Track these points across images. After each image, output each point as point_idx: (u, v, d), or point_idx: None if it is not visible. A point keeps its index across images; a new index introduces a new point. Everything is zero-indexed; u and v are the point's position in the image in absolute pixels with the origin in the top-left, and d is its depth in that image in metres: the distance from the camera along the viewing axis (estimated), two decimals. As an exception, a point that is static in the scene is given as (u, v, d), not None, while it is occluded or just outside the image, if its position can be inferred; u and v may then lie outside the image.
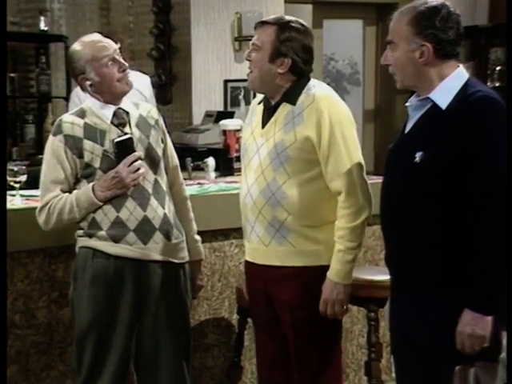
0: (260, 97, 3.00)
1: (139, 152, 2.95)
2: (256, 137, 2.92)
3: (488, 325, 2.33)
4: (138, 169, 2.93)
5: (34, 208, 3.24)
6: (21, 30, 6.43)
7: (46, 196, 2.95)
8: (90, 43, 2.97)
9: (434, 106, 2.47)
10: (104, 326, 2.93)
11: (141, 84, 4.77)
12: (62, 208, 2.92)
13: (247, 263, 3.03)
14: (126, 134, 2.96)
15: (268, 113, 2.91)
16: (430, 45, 2.44)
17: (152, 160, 3.00)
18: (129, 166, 2.91)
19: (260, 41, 2.86)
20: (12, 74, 6.28)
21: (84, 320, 2.95)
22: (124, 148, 2.92)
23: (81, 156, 2.93)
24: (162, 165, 3.05)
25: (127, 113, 3.00)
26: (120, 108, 2.99)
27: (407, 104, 2.58)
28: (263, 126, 2.91)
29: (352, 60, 7.68)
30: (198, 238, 3.22)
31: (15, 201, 3.36)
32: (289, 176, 2.82)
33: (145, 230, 2.94)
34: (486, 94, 2.43)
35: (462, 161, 2.37)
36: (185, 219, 3.16)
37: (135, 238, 2.93)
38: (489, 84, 6.80)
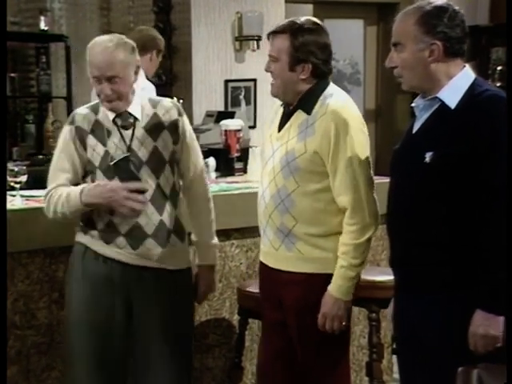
0: None
1: (146, 185, 2.88)
2: (273, 140, 2.91)
3: (500, 324, 2.32)
4: (140, 192, 2.87)
5: (35, 208, 3.25)
6: (21, 30, 6.42)
7: (50, 185, 2.96)
8: (94, 46, 2.89)
9: (443, 105, 2.46)
10: (90, 326, 2.92)
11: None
12: (56, 202, 2.92)
13: (261, 264, 3.04)
14: (125, 152, 2.90)
15: (285, 117, 2.89)
16: (439, 43, 2.44)
17: (156, 163, 2.92)
18: (130, 191, 2.85)
19: (276, 51, 2.81)
20: (12, 74, 6.28)
21: (72, 315, 2.96)
22: (121, 168, 2.88)
23: (85, 150, 2.94)
24: (167, 168, 2.95)
25: (135, 117, 2.93)
26: (126, 111, 2.93)
27: (413, 104, 2.57)
28: (279, 130, 2.90)
29: (353, 60, 7.67)
30: (211, 242, 3.12)
31: (15, 201, 3.35)
32: (298, 185, 2.80)
33: (135, 235, 2.90)
34: (494, 93, 2.43)
35: (471, 160, 2.36)
36: (201, 223, 3.10)
37: (125, 242, 2.90)
38: (490, 84, 6.80)
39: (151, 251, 2.91)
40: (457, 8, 2.48)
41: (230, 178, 4.46)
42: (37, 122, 6.48)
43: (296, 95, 2.84)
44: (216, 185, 4.05)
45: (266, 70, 2.88)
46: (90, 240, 2.94)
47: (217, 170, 4.61)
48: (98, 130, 2.93)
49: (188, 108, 6.13)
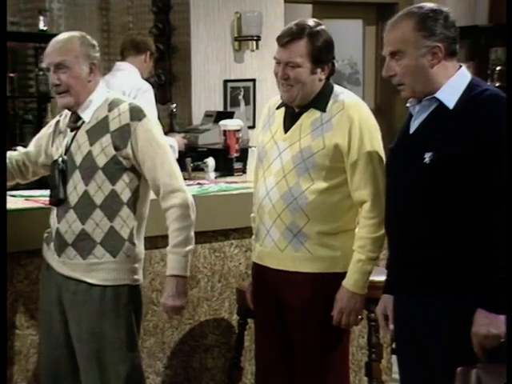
0: (276, 100, 2.96)
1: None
2: (277, 141, 2.88)
3: (502, 323, 2.32)
4: None
5: (34, 208, 3.25)
6: (20, 30, 6.43)
7: None
8: (51, 41, 2.91)
9: (441, 105, 2.46)
10: (42, 330, 2.97)
11: (127, 86, 4.77)
12: None
13: (257, 266, 2.99)
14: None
15: (291, 118, 2.88)
16: (441, 45, 2.44)
17: (86, 169, 2.79)
18: None
19: (297, 57, 2.78)
20: (11, 74, 6.28)
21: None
22: (51, 171, 2.88)
23: (52, 145, 2.96)
24: (99, 174, 2.77)
25: (82, 120, 2.85)
26: (76, 113, 2.86)
27: (408, 104, 2.57)
28: (285, 130, 2.88)
29: (352, 60, 7.67)
30: (173, 250, 2.82)
31: (15, 201, 3.35)
32: (313, 182, 2.80)
33: (57, 242, 2.84)
34: (495, 93, 2.43)
35: (473, 160, 2.36)
36: (169, 232, 2.85)
37: (53, 247, 2.86)
38: (489, 84, 6.81)
39: (72, 261, 2.81)
40: (446, 9, 2.49)
41: (229, 178, 4.46)
42: (36, 122, 6.47)
43: (311, 96, 2.85)
44: (215, 185, 4.06)
45: (283, 78, 2.81)
46: (43, 245, 2.96)
47: (216, 170, 4.61)
48: (65, 130, 2.92)
49: (187, 108, 6.14)
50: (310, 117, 2.84)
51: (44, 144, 3.01)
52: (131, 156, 2.78)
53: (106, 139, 2.78)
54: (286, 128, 2.88)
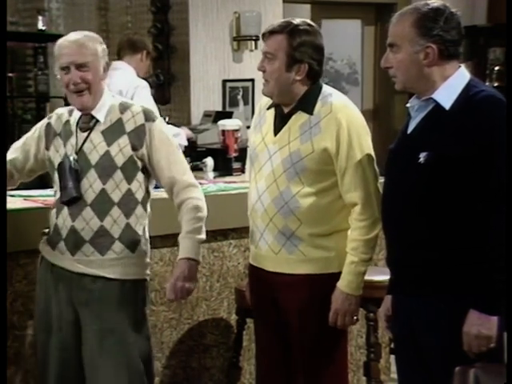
0: (267, 100, 2.94)
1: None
2: (267, 143, 2.87)
3: (494, 325, 2.33)
4: None
5: (33, 208, 3.25)
6: (19, 30, 6.44)
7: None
8: (62, 40, 2.88)
9: (437, 106, 2.46)
10: (44, 331, 2.93)
11: (125, 84, 4.78)
12: None
13: (253, 267, 2.98)
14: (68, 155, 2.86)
15: (281, 120, 2.87)
16: (434, 46, 2.43)
17: (103, 169, 2.83)
18: None
19: (272, 50, 2.79)
20: (10, 74, 6.30)
21: (34, 320, 3.03)
22: (61, 169, 2.85)
23: (48, 148, 2.94)
24: (118, 173, 2.83)
25: (97, 120, 2.87)
26: (89, 114, 2.88)
27: (408, 105, 2.57)
28: (275, 133, 2.87)
29: (350, 60, 7.67)
30: (188, 236, 2.86)
31: (14, 201, 3.35)
32: (303, 185, 2.79)
33: (72, 240, 2.84)
34: (491, 94, 2.42)
35: (468, 161, 2.36)
36: (183, 224, 2.89)
37: (65, 247, 2.86)
38: (487, 84, 6.82)
39: (89, 257, 2.84)
40: (454, 10, 2.48)
41: (227, 178, 4.47)
42: (34, 122, 6.40)
43: (292, 96, 2.83)
44: (214, 185, 4.06)
45: (259, 69, 2.85)
46: (43, 246, 2.95)
47: (215, 169, 4.62)
48: (65, 132, 2.92)
49: (186, 108, 6.15)
50: (299, 120, 2.83)
51: (33, 149, 2.98)
52: (146, 156, 2.87)
53: (124, 140, 2.85)
54: (276, 130, 2.87)
